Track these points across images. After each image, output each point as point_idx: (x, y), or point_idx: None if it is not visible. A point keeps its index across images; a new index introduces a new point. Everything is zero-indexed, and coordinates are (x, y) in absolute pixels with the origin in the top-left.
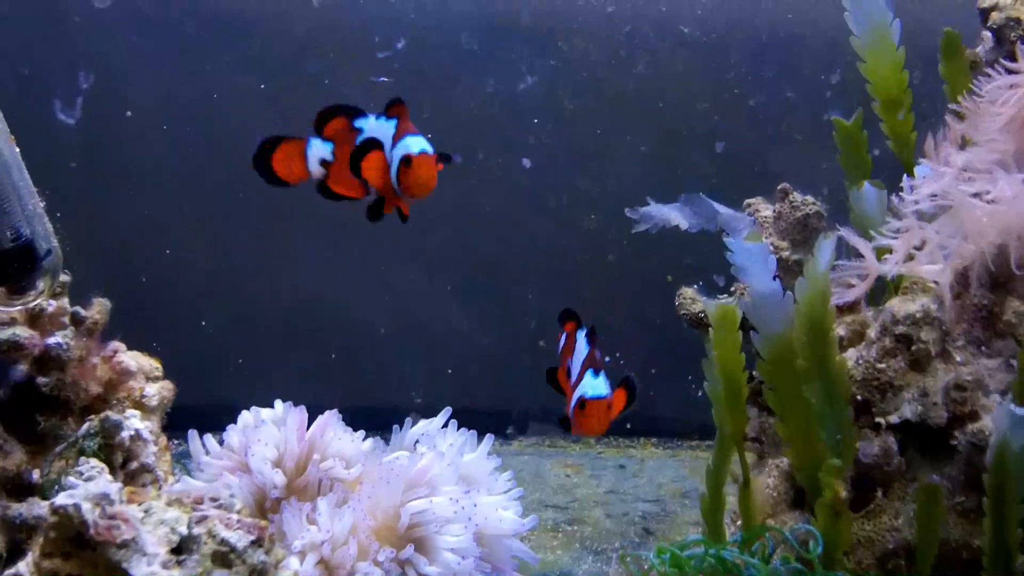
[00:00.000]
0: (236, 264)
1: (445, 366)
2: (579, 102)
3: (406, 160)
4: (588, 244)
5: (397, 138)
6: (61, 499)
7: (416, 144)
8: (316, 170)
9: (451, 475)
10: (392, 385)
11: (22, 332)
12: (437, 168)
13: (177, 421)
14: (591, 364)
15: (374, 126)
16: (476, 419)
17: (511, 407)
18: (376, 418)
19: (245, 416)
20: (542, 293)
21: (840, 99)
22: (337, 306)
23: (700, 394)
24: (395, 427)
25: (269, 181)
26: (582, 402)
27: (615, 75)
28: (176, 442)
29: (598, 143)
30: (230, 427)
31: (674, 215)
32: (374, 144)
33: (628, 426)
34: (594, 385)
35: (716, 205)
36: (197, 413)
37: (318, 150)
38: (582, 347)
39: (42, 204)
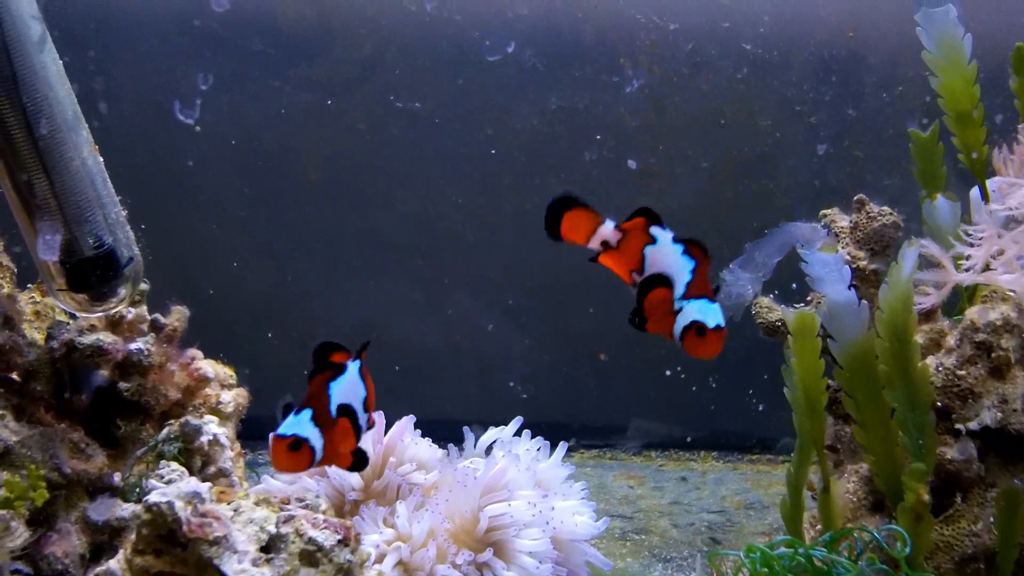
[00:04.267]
0: (300, 282)
1: (505, 380)
2: (641, 119)
3: (700, 330)
4: None
5: (693, 290)
6: (154, 496)
7: (713, 316)
8: (595, 244)
9: (528, 480)
10: (453, 401)
11: (106, 337)
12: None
13: (243, 431)
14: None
15: (667, 249)
16: (536, 432)
17: (571, 420)
18: (438, 431)
19: None
20: (602, 308)
21: (901, 116)
22: (397, 325)
23: (760, 408)
24: (467, 432)
25: (552, 236)
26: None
27: (677, 92)
28: (245, 451)
29: (659, 160)
30: None
31: (747, 286)
32: (663, 282)
33: (689, 439)
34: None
35: (789, 227)
36: (262, 425)
37: (606, 231)
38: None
39: (124, 212)
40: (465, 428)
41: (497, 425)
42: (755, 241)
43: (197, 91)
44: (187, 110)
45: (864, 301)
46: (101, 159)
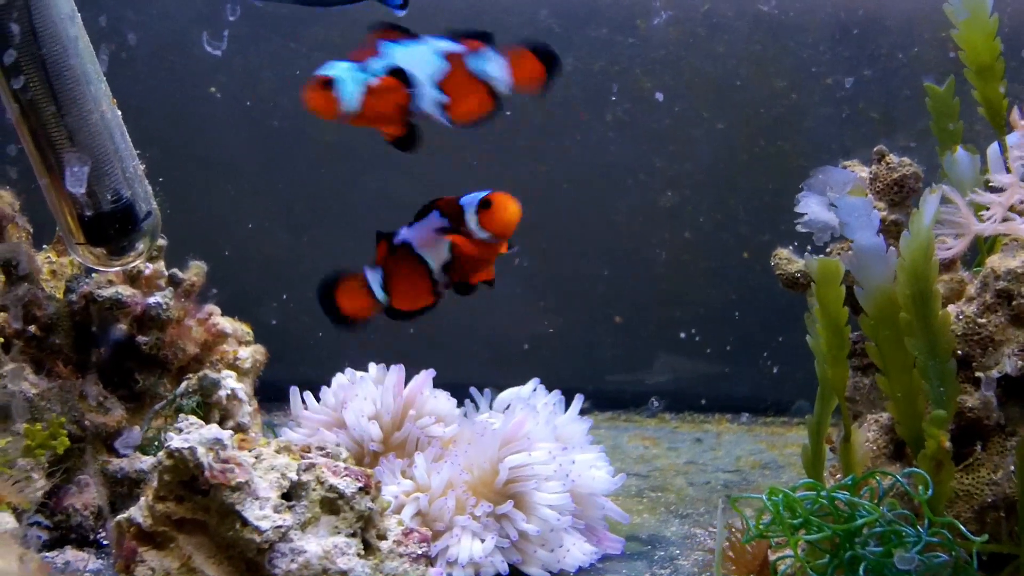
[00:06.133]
0: (315, 244)
1: (519, 344)
2: (657, 80)
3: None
4: (664, 222)
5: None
6: (176, 442)
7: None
8: (382, 297)
9: (547, 433)
10: (467, 365)
11: (124, 291)
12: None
13: (259, 393)
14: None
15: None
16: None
17: (585, 383)
18: (453, 396)
19: (340, 377)
20: (617, 271)
21: (918, 78)
22: None
23: (775, 371)
24: (487, 391)
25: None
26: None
27: (693, 53)
28: (261, 411)
29: (675, 121)
30: (325, 388)
31: (820, 210)
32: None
33: (703, 402)
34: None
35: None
36: (277, 388)
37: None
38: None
39: (142, 167)
40: (472, 390)
41: (512, 386)
42: (804, 186)
43: (213, 52)
44: (205, 69)
45: (891, 248)
46: (119, 113)
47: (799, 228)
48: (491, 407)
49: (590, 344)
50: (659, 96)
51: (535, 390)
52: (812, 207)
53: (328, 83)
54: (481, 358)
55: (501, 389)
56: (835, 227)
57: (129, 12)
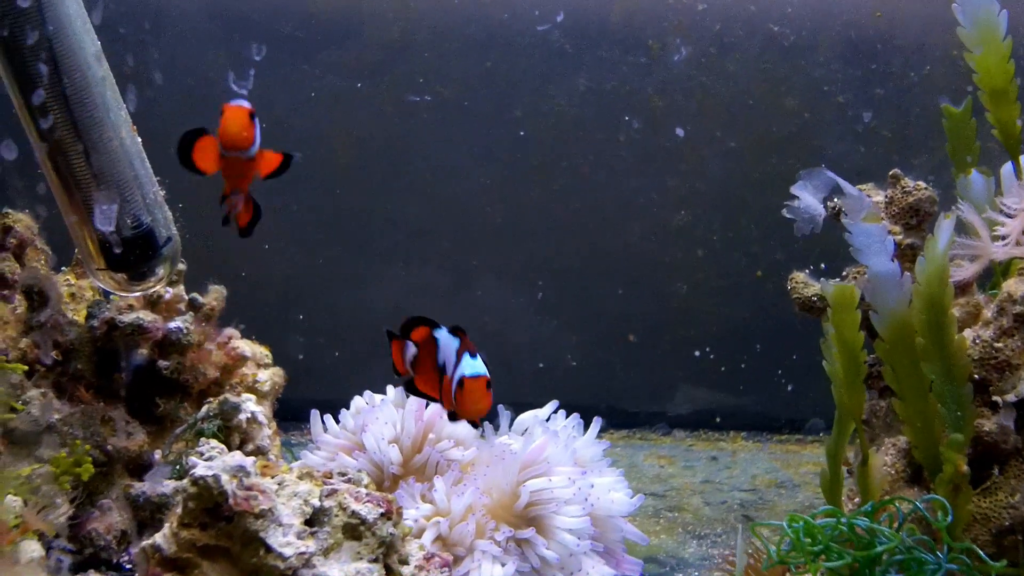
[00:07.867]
0: (330, 265)
1: (535, 363)
2: (668, 100)
3: (460, 383)
4: (677, 241)
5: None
6: (201, 470)
7: (471, 366)
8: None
9: (567, 457)
10: None
11: (145, 316)
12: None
13: (277, 412)
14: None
15: (446, 338)
16: (567, 414)
17: (600, 401)
18: None
19: (358, 400)
20: (631, 290)
21: (929, 96)
22: (426, 308)
23: (789, 388)
24: (506, 412)
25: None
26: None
27: (705, 73)
28: (279, 431)
29: (687, 140)
30: (344, 410)
31: (812, 201)
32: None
33: (718, 420)
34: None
35: (839, 182)
36: (293, 407)
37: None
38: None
39: (162, 193)
40: (499, 407)
41: (527, 407)
42: (803, 175)
43: (228, 74)
44: (220, 93)
45: (907, 273)
46: (139, 139)
47: (784, 213)
48: (510, 428)
49: (605, 363)
50: (680, 132)
51: (554, 412)
52: (805, 195)
53: (252, 115)
54: (497, 377)
55: (516, 407)
56: (819, 222)
57: (144, 35)
